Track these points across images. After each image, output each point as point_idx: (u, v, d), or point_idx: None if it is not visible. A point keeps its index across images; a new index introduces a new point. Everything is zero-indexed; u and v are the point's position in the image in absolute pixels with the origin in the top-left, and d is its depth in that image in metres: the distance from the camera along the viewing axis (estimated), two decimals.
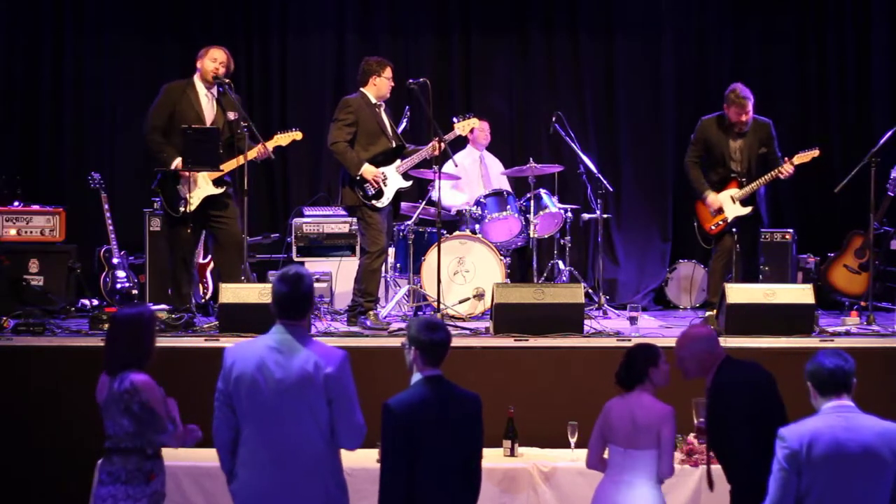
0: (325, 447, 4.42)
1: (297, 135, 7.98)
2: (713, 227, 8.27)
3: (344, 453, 4.52)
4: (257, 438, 4.41)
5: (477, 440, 4.56)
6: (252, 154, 7.61)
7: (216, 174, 7.62)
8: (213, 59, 7.68)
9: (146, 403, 4.69)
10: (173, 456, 5.05)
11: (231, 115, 7.71)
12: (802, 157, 8.09)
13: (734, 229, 8.22)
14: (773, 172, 8.08)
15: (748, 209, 8.16)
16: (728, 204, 8.18)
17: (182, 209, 7.56)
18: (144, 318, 4.86)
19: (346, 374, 4.43)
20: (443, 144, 7.84)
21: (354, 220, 8.80)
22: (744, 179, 8.17)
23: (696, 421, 5.62)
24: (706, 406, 5.05)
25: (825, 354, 4.19)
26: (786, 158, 8.09)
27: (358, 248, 9.14)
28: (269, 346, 4.45)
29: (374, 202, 7.85)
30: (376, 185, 7.84)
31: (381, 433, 4.45)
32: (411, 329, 4.57)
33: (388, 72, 7.98)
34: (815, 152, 8.11)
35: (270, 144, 7.78)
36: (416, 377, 4.53)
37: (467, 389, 4.59)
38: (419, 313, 8.48)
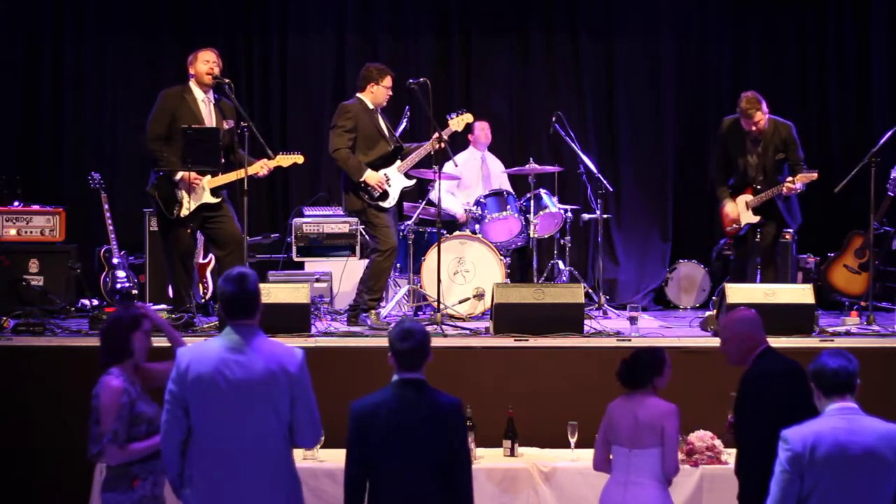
0: (284, 444, 4.42)
1: (299, 158, 7.96)
2: (729, 230, 8.38)
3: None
4: (218, 440, 4.36)
5: (450, 448, 4.43)
6: (253, 170, 7.64)
7: (215, 183, 7.63)
8: (206, 62, 7.66)
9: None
10: None
11: (227, 124, 7.71)
12: (803, 178, 8.08)
13: (758, 229, 8.32)
14: (777, 188, 8.09)
15: (758, 218, 8.24)
16: (742, 210, 8.27)
17: (176, 212, 7.58)
18: (120, 318, 4.86)
19: (307, 373, 4.45)
20: (443, 142, 7.85)
21: (355, 220, 8.83)
22: (759, 186, 8.21)
23: (729, 416, 5.52)
24: (737, 394, 5.07)
25: (828, 354, 4.17)
26: (789, 178, 8.09)
27: (358, 249, 9.14)
28: (227, 347, 4.41)
29: (380, 203, 7.87)
30: (381, 189, 7.85)
31: None
32: (389, 335, 4.58)
33: (387, 81, 7.97)
34: (814, 175, 8.09)
35: (271, 164, 7.78)
36: (393, 378, 4.54)
37: (448, 396, 4.53)
38: (419, 313, 8.49)
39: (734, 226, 8.30)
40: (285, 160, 7.91)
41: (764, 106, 8.11)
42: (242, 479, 4.35)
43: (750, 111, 8.04)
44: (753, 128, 8.10)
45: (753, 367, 5.04)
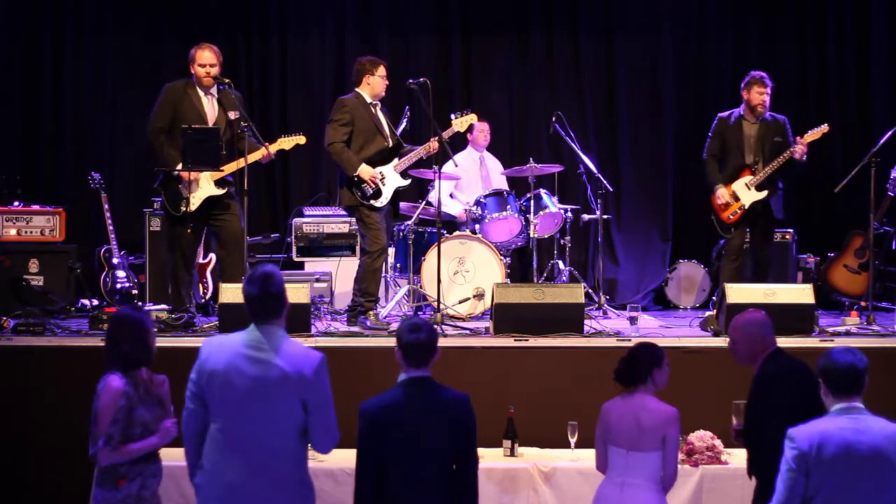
0: (296, 447, 4.39)
1: (301, 139, 7.97)
2: (731, 217, 8.35)
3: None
4: (227, 435, 4.37)
5: (460, 444, 4.45)
6: (254, 157, 7.62)
7: (218, 175, 7.62)
8: (202, 64, 7.65)
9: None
10: (173, 456, 5.03)
11: (232, 115, 7.71)
12: (813, 135, 8.18)
13: (748, 229, 8.34)
14: (785, 154, 8.14)
15: (764, 193, 8.23)
16: (743, 191, 8.27)
17: (183, 209, 7.57)
18: (144, 319, 4.86)
19: (324, 377, 4.39)
20: (442, 142, 7.84)
21: (354, 219, 8.82)
22: (757, 167, 8.25)
23: (734, 422, 5.49)
24: (749, 395, 5.06)
25: (839, 352, 4.17)
26: (797, 138, 8.15)
27: (358, 248, 9.14)
28: (246, 344, 4.41)
29: (372, 202, 7.85)
30: (374, 185, 7.84)
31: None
32: (398, 330, 4.56)
33: (381, 70, 7.96)
34: (825, 128, 8.19)
35: (273, 148, 7.78)
36: (400, 378, 4.52)
37: (456, 391, 4.53)
38: (419, 313, 8.49)
39: (738, 210, 8.29)
40: (287, 142, 7.91)
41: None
42: (247, 475, 4.34)
43: (762, 79, 8.20)
44: (766, 99, 8.20)
45: (764, 368, 5.03)
